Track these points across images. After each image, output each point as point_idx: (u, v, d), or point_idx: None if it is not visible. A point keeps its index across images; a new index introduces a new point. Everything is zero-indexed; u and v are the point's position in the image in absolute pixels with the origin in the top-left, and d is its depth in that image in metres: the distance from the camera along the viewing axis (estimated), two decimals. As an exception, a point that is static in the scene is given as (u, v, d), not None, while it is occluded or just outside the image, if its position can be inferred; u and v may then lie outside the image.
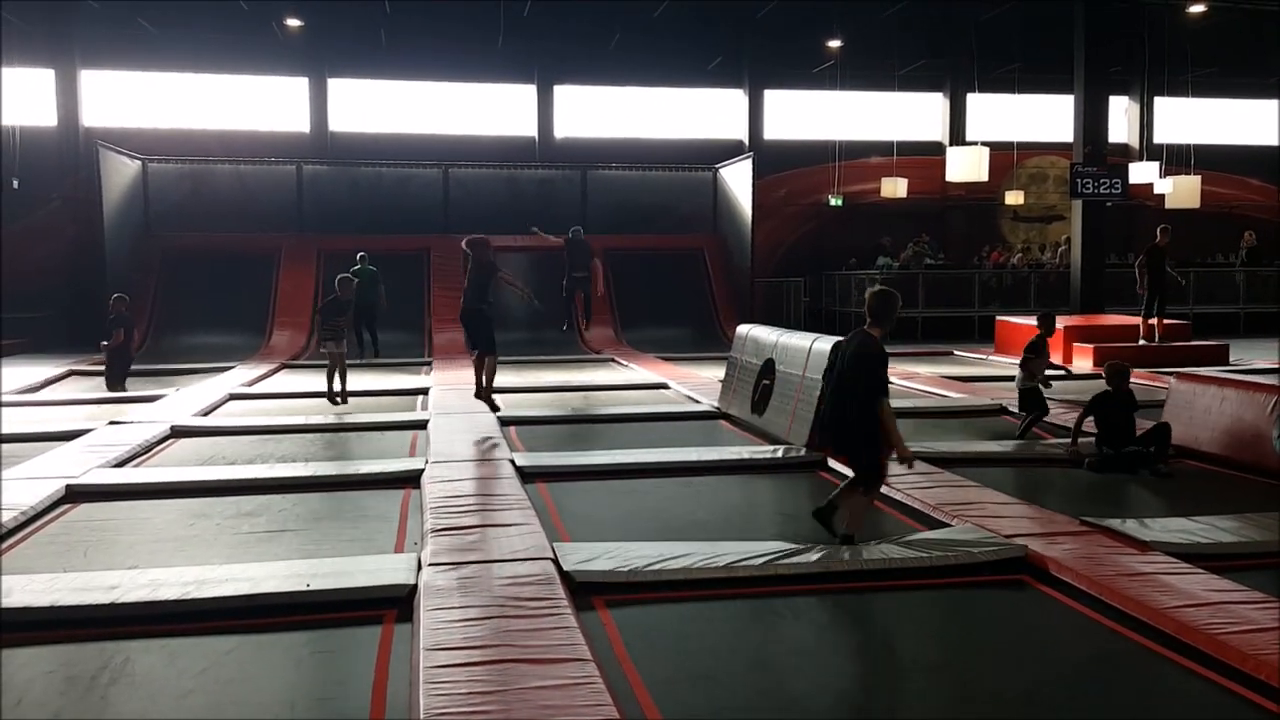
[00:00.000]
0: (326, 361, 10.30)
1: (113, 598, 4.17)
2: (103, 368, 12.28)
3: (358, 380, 12.44)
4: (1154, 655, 3.76)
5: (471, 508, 5.60)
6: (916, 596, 4.50)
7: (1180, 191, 20.26)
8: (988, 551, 4.84)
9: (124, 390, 11.65)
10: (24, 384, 12.30)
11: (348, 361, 10.57)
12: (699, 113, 23.37)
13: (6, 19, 18.94)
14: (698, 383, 11.70)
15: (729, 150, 22.07)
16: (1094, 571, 4.48)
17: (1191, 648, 3.74)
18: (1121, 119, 24.51)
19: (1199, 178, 20.70)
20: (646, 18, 20.58)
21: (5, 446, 7.92)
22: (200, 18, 20.01)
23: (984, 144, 19.18)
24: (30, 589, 4.27)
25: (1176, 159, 22.49)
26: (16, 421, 9.39)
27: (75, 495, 6.23)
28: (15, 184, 18.94)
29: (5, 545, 5.21)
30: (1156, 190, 21.26)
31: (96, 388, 12.09)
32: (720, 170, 20.77)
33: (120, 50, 20.62)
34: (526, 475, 6.66)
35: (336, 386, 10.32)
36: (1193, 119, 23.83)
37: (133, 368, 14.11)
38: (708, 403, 10.03)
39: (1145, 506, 6.16)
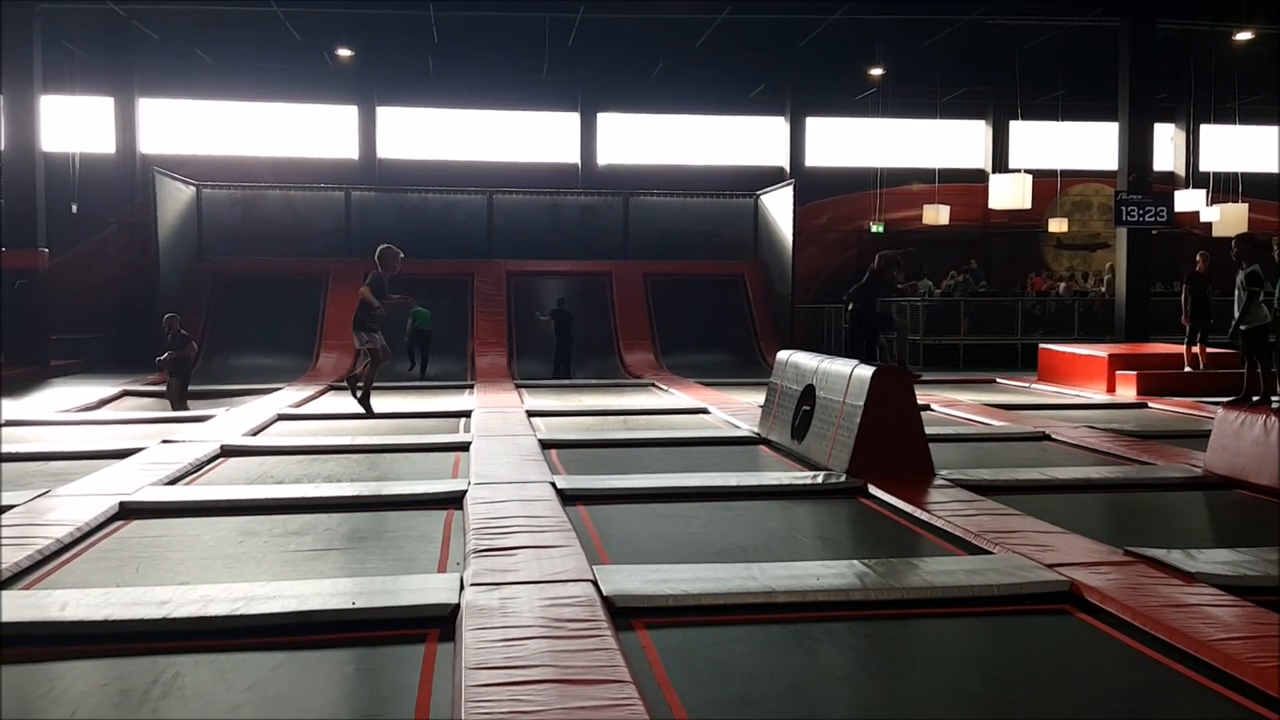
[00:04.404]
0: (367, 360, 9.63)
1: (164, 613, 4.26)
2: (157, 388, 12.54)
3: (403, 402, 12.61)
4: (1199, 687, 3.71)
5: (513, 529, 5.66)
6: (957, 625, 4.48)
7: (1227, 219, 20.00)
8: (1030, 580, 4.80)
9: (187, 408, 11.95)
10: (78, 404, 12.62)
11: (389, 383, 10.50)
12: (741, 140, 23.51)
13: (69, 49, 19.56)
14: (738, 408, 11.71)
15: (770, 177, 22.17)
16: (1138, 602, 4.43)
17: (1237, 680, 3.69)
18: (1167, 146, 24.26)
19: (1246, 205, 20.41)
20: (689, 47, 20.78)
21: (59, 463, 8.15)
22: (254, 48, 20.55)
23: (1027, 171, 19.09)
24: (85, 603, 4.38)
25: (1223, 186, 22.21)
26: (72, 440, 9.66)
27: (128, 512, 6.37)
28: (74, 208, 19.50)
29: (61, 560, 5.36)
30: (1203, 218, 20.98)
31: (149, 407, 12.37)
32: (761, 197, 20.83)
33: (177, 80, 21.23)
34: (567, 498, 6.71)
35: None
36: (1240, 146, 23.52)
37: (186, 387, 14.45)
38: (748, 428, 10.03)
39: (1192, 537, 6.07)
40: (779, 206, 19.56)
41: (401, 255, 9.51)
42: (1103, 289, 21.43)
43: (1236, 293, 8.83)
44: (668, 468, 7.96)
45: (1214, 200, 21.37)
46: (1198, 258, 13.92)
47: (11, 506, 6.29)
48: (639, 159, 22.92)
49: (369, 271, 8.68)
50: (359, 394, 8.31)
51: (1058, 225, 22.61)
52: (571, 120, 22.71)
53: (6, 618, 4.17)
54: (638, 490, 7.04)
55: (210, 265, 19.02)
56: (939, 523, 6.01)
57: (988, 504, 6.43)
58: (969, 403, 12.31)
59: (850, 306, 9.57)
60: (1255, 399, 8.06)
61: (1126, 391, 13.58)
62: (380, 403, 11.02)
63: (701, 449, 9.22)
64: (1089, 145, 24.12)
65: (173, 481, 7.38)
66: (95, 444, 9.15)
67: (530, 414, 11.35)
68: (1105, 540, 5.52)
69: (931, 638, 4.37)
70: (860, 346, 8.91)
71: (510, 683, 3.49)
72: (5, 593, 4.58)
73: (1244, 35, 18.99)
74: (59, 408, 12.11)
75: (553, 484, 7.04)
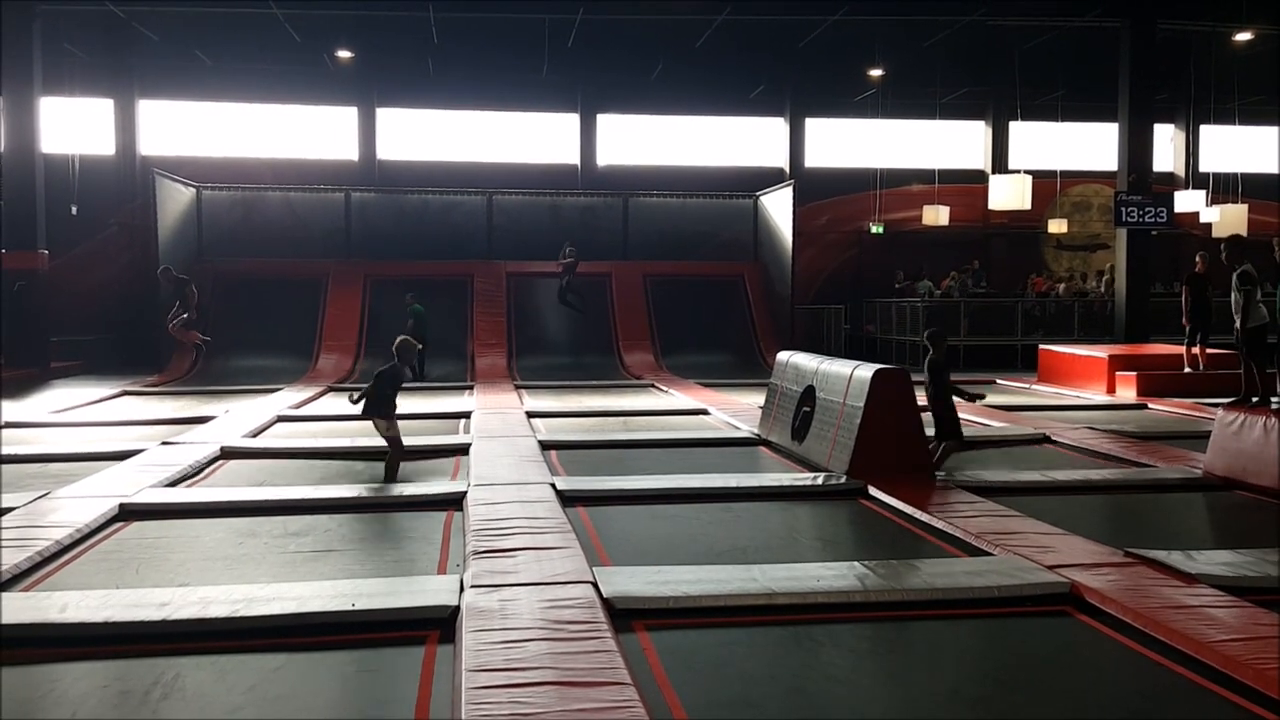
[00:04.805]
0: (386, 446, 7.84)
1: (164, 614, 4.27)
2: (158, 388, 12.56)
3: (403, 404, 12.57)
4: (1199, 689, 3.72)
5: (513, 531, 5.66)
6: (957, 626, 4.48)
7: (1227, 220, 19.99)
8: (1031, 582, 4.80)
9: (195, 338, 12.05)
10: (78, 404, 12.61)
11: None
12: (740, 141, 23.51)
13: (69, 50, 19.56)
14: (738, 409, 11.71)
15: (770, 178, 22.17)
16: (1139, 604, 4.43)
17: (1237, 682, 3.69)
18: (1167, 147, 24.26)
19: (1245, 206, 20.41)
20: (689, 48, 20.77)
21: (59, 465, 8.16)
22: (254, 50, 20.54)
23: (1027, 172, 19.08)
24: (85, 605, 4.39)
25: (1223, 187, 22.21)
26: (72, 441, 9.66)
27: (128, 513, 6.39)
28: (74, 210, 19.49)
29: (61, 561, 5.36)
30: (1203, 219, 20.98)
31: (149, 408, 12.37)
32: (761, 198, 20.83)
33: (177, 81, 21.22)
34: (567, 499, 6.72)
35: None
36: (1240, 147, 23.53)
37: (184, 389, 14.51)
38: (748, 429, 10.03)
39: (1192, 538, 6.08)
40: (779, 207, 19.56)
41: (420, 347, 8.87)
42: (1100, 287, 21.44)
43: (1233, 294, 8.87)
44: (668, 469, 7.97)
45: (1214, 201, 21.37)
46: (1197, 258, 13.92)
47: (12, 508, 6.30)
48: (638, 160, 22.92)
49: (381, 372, 7.88)
50: (389, 475, 7.68)
51: (1057, 226, 22.60)
52: (571, 121, 22.71)
53: (7, 620, 4.18)
54: (638, 491, 7.05)
55: (210, 266, 19.00)
56: (939, 524, 6.02)
57: (988, 505, 6.44)
58: (970, 404, 12.28)
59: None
60: (1254, 400, 8.07)
61: (1126, 392, 13.58)
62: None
63: (701, 450, 9.23)
64: (1089, 146, 24.11)
65: (173, 483, 7.39)
66: (95, 446, 9.15)
67: (530, 415, 11.35)
68: (1105, 541, 5.53)
69: (932, 639, 4.38)
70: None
71: (510, 684, 3.50)
72: (5, 595, 4.58)
73: (1244, 35, 18.98)
74: (59, 409, 12.10)
75: (553, 485, 7.05)
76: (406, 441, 8.49)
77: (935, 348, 8.15)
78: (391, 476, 7.50)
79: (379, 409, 7.63)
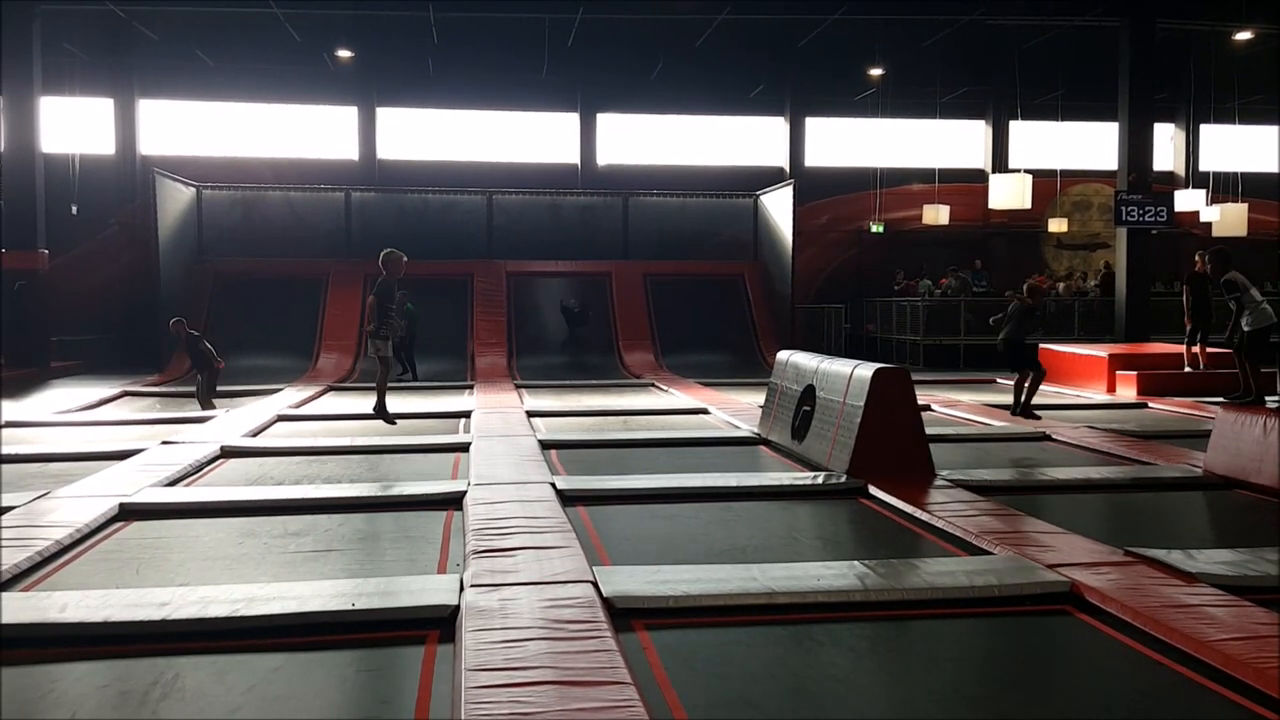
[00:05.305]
0: (377, 370, 8.78)
1: (164, 614, 4.26)
2: (157, 389, 12.54)
3: (403, 403, 12.59)
4: (1199, 688, 3.71)
5: (513, 530, 5.66)
6: (958, 625, 4.48)
7: (1227, 219, 20.00)
8: (1031, 581, 4.80)
9: (213, 405, 12.00)
10: (78, 404, 12.61)
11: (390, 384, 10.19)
12: (740, 140, 23.51)
13: (69, 50, 19.56)
14: (738, 408, 11.71)
15: (770, 177, 22.17)
16: (1139, 603, 4.43)
17: (1238, 681, 3.69)
18: (1167, 146, 24.26)
19: (1246, 205, 20.41)
20: (689, 47, 20.78)
21: (59, 465, 8.16)
22: (254, 49, 20.56)
23: (1027, 171, 19.08)
24: (84, 604, 4.38)
25: (1223, 187, 22.20)
26: (71, 441, 9.67)
27: (128, 513, 6.38)
28: (74, 210, 19.50)
29: (61, 561, 5.35)
30: (1203, 218, 20.98)
31: (149, 409, 12.38)
32: (761, 197, 20.84)
33: (177, 81, 21.23)
34: (567, 499, 6.71)
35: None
36: (1240, 146, 23.53)
37: (184, 389, 14.51)
38: (748, 428, 10.03)
39: (1192, 537, 6.07)
40: (779, 206, 19.56)
41: (405, 259, 9.33)
42: (1095, 283, 21.43)
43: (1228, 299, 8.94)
44: (668, 468, 7.97)
45: (1214, 200, 21.36)
46: (1197, 258, 13.92)
47: (11, 508, 6.30)
48: (638, 159, 22.92)
49: (376, 278, 8.34)
50: (376, 407, 7.94)
51: (1058, 225, 22.61)
52: (571, 120, 22.72)
53: (7, 619, 4.17)
54: (638, 491, 7.04)
55: (210, 266, 19.03)
56: (939, 523, 6.01)
57: (988, 504, 6.44)
58: (969, 403, 12.31)
59: (1002, 335, 10.86)
60: (1249, 399, 8.10)
61: (1127, 391, 13.58)
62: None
63: (701, 449, 9.22)
64: (1089, 145, 24.11)
65: (173, 483, 7.39)
66: (95, 445, 9.16)
67: (530, 414, 11.36)
68: (1105, 540, 5.52)
69: (932, 638, 4.37)
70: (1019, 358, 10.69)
71: (510, 684, 3.49)
72: (5, 594, 4.58)
73: (1244, 35, 18.98)
74: (59, 409, 12.11)
75: (553, 485, 7.04)
76: (407, 440, 8.51)
77: (1035, 299, 10.41)
78: (381, 402, 7.45)
79: (380, 329, 7.65)
